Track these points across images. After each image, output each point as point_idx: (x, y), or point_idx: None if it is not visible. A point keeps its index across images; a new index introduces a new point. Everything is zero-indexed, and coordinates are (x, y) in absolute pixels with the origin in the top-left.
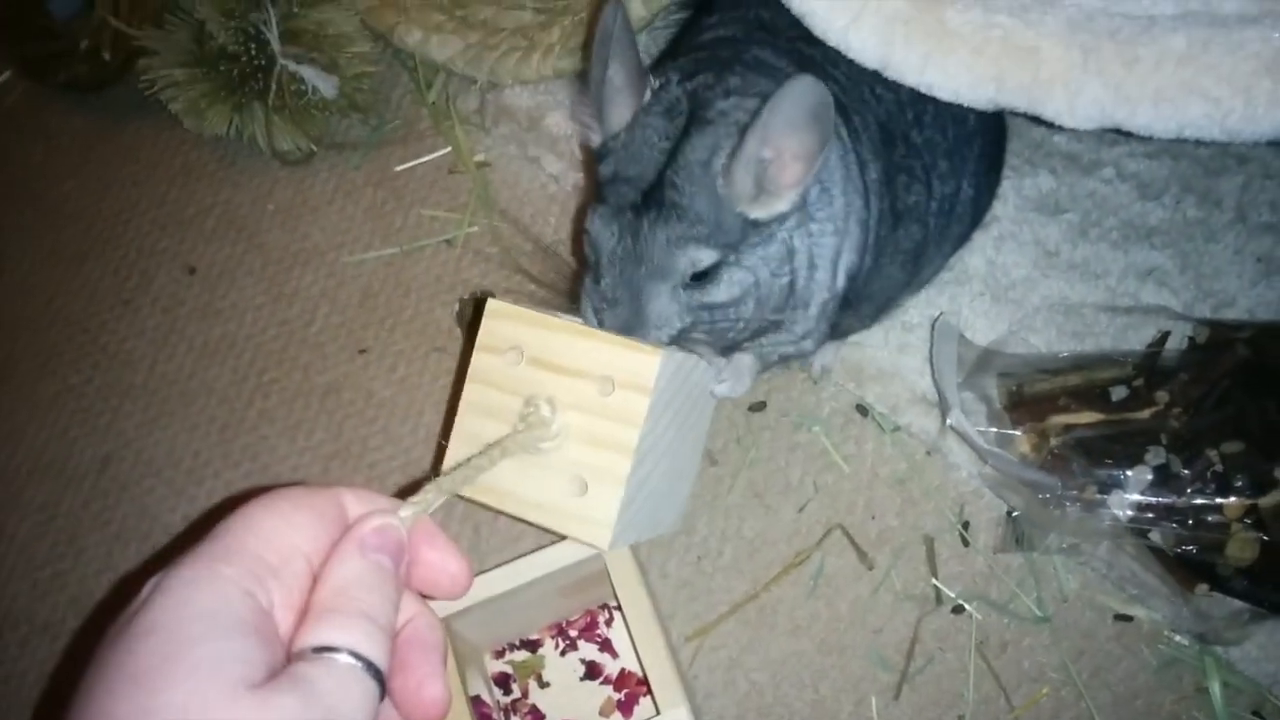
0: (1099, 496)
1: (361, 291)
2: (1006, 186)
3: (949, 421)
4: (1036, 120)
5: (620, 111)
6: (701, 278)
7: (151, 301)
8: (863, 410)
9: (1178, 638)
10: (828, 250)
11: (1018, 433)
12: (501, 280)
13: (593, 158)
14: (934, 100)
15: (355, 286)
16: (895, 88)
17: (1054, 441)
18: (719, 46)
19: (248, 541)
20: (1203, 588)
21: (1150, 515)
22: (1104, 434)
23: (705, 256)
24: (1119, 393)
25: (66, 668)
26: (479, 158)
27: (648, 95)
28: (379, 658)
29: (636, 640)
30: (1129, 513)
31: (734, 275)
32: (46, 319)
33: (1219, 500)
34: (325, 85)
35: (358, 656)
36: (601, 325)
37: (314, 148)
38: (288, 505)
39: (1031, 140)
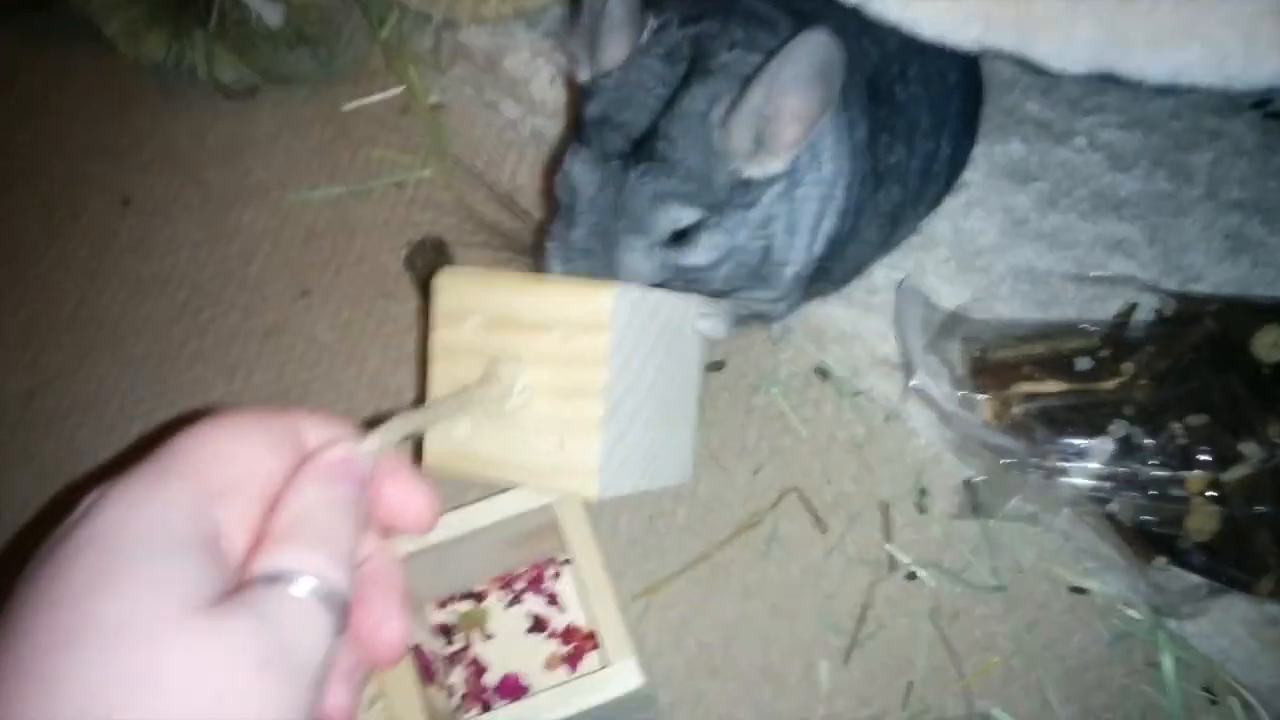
0: (1061, 464)
1: (306, 232)
2: (977, 152)
3: (913, 383)
4: (1022, 64)
5: (615, 49)
6: (680, 238)
7: (82, 232)
8: (822, 373)
9: (1131, 612)
10: (809, 216)
11: (980, 399)
12: (453, 226)
13: (578, 94)
14: (919, 54)
15: (299, 226)
16: (881, 40)
17: (1016, 409)
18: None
19: (196, 460)
20: (1161, 560)
21: (1111, 485)
22: (1067, 404)
23: (687, 215)
24: (1083, 363)
25: None
26: (433, 99)
27: (646, 35)
28: (340, 588)
29: (587, 591)
30: (1090, 482)
31: (714, 238)
32: None
33: (1182, 473)
34: (270, 13)
35: (317, 585)
36: (567, 274)
37: (258, 80)
38: (241, 425)
39: (1003, 106)
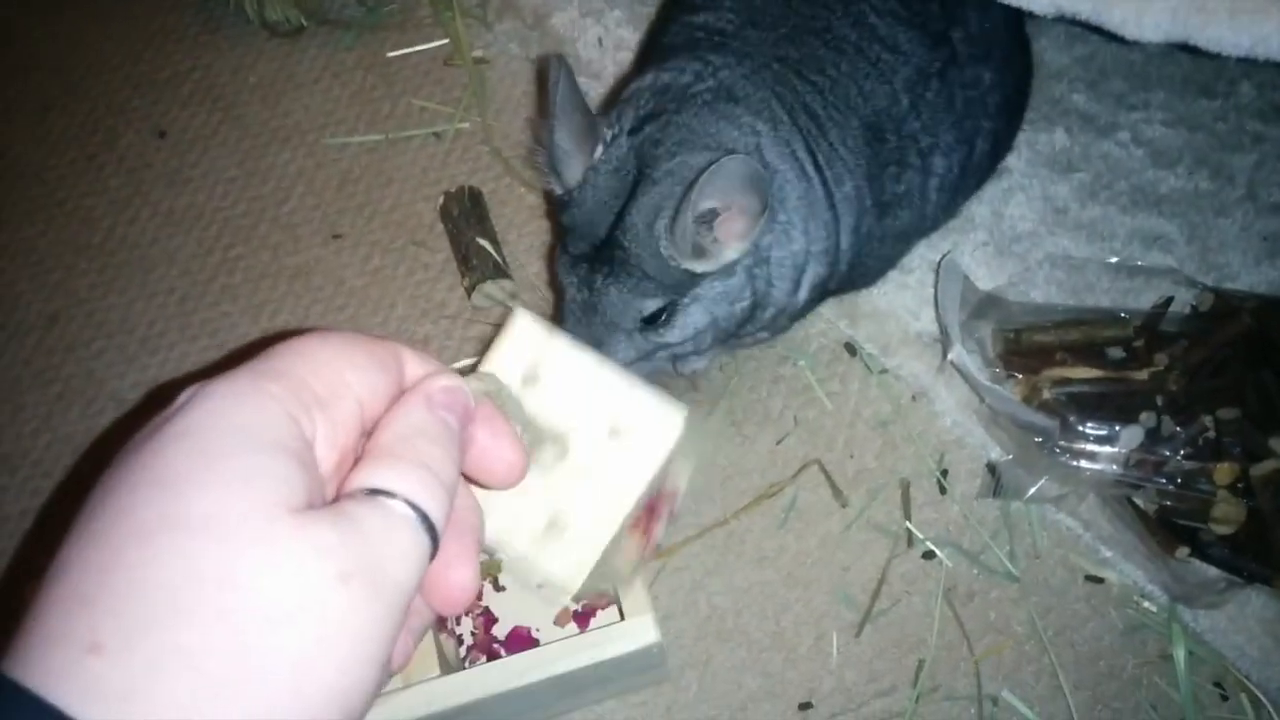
0: (1089, 448)
1: (341, 176)
2: (1021, 140)
3: (950, 356)
4: (1096, 30)
5: (574, 168)
6: (655, 319)
7: (117, 160)
8: (851, 349)
9: (1146, 603)
10: (787, 277)
11: (1010, 380)
12: (489, 180)
13: (554, 204)
14: (938, 76)
15: (334, 170)
16: (889, 77)
17: (1047, 393)
18: (698, 45)
19: (297, 366)
20: (1183, 551)
21: (1139, 473)
22: (1098, 391)
23: (653, 304)
24: (1116, 352)
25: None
26: (477, 53)
27: (599, 150)
28: (437, 514)
29: None
30: (1117, 468)
31: (688, 317)
32: (2, 167)
33: (1210, 464)
34: None
35: (414, 507)
36: None
37: (305, 22)
38: (344, 342)
39: (1050, 97)
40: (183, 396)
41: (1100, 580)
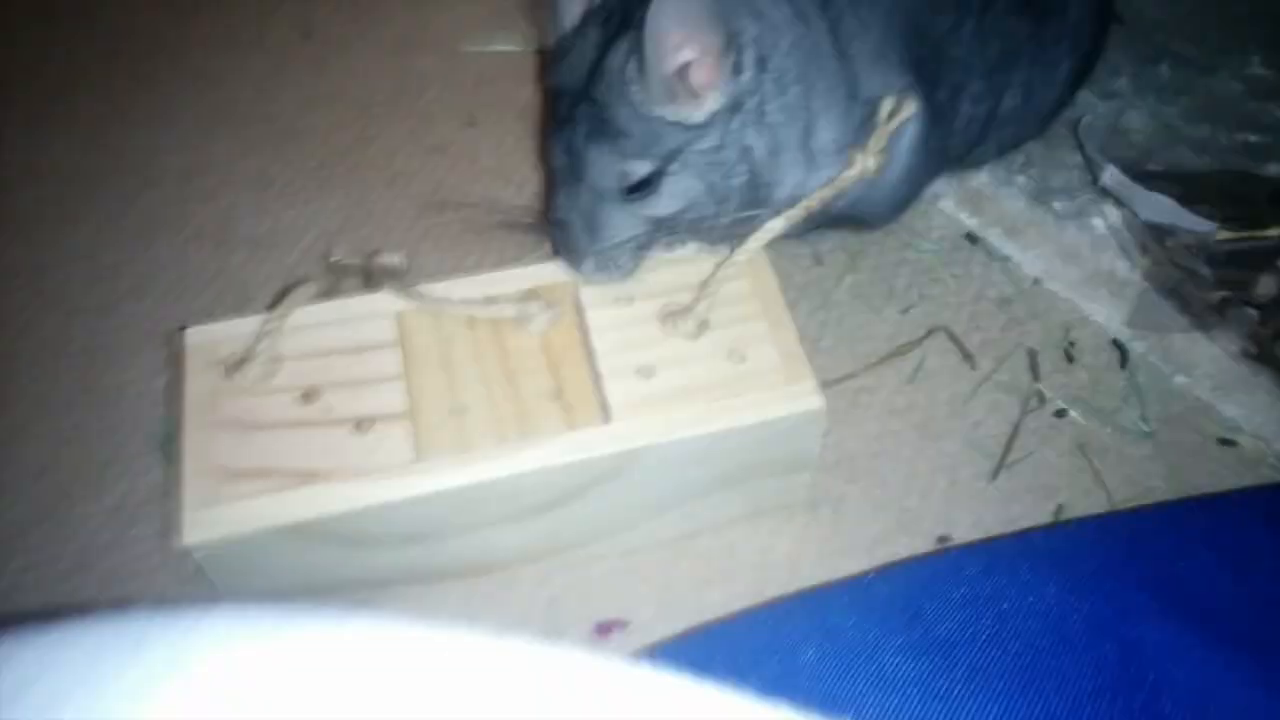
0: (1222, 296)
1: (476, 77)
2: (1126, 68)
3: (1103, 180)
4: None
5: (573, 11)
6: (643, 187)
7: (263, 53)
8: (972, 239)
9: None
10: (793, 137)
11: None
12: None
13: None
14: (976, 15)
15: (470, 72)
16: None
17: (1178, 258)
18: None
19: None
20: None
21: (1274, 325)
22: (1229, 249)
23: (638, 169)
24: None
25: None
26: None
27: None
28: None
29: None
30: (1249, 325)
31: (677, 185)
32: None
33: None
34: None
35: None
36: (555, 247)
37: None
38: None
39: (1150, 43)
40: None
41: (1233, 444)
